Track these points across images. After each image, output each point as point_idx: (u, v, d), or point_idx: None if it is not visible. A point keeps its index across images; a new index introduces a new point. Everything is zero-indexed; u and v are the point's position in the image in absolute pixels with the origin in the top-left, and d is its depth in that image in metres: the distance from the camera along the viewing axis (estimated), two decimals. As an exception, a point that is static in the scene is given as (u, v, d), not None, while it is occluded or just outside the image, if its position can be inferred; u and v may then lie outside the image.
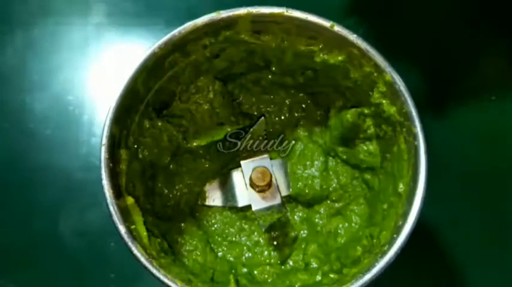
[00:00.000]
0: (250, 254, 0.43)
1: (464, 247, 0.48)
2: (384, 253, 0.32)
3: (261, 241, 0.44)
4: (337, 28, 0.35)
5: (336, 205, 0.43)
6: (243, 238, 0.44)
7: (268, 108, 0.46)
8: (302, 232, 0.44)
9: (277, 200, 0.42)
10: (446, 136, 0.50)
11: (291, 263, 0.42)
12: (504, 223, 0.49)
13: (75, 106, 0.51)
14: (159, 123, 0.39)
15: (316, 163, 0.44)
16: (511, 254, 0.48)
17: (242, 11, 0.35)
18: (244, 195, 0.43)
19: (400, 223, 0.33)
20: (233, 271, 0.40)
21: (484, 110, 0.51)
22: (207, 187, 0.44)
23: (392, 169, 0.37)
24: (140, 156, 0.38)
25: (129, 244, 0.32)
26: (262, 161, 0.44)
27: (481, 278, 0.47)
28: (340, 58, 0.37)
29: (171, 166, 0.42)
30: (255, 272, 0.41)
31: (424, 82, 0.51)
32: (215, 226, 0.44)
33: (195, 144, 0.42)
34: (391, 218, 0.35)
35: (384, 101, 0.36)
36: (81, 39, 0.53)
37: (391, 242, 0.32)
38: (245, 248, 0.43)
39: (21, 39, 0.53)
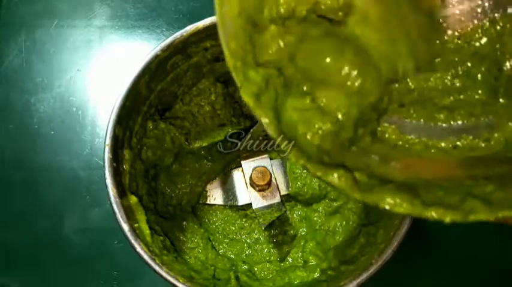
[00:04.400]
0: (250, 252, 0.43)
1: (463, 245, 0.48)
2: (381, 251, 0.32)
3: (261, 238, 0.44)
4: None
5: (334, 203, 0.43)
6: (244, 236, 0.44)
7: (268, 110, 0.46)
8: (301, 230, 0.44)
9: (277, 199, 0.43)
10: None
11: (290, 260, 0.42)
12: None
13: (78, 107, 0.51)
14: (162, 125, 0.40)
15: (314, 162, 0.44)
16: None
17: (242, 14, 0.36)
18: (245, 194, 0.44)
19: (397, 221, 0.33)
20: (234, 268, 0.41)
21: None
22: (209, 186, 0.45)
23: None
24: (143, 156, 0.39)
25: (133, 241, 0.32)
26: (262, 161, 0.44)
27: (478, 276, 0.48)
28: None
29: (173, 166, 0.43)
30: (255, 269, 0.41)
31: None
32: (216, 224, 0.45)
33: (196, 145, 0.42)
34: (387, 217, 0.35)
35: None
36: (84, 41, 0.53)
37: (387, 241, 0.33)
38: (245, 245, 0.44)
39: (26, 41, 0.53)
